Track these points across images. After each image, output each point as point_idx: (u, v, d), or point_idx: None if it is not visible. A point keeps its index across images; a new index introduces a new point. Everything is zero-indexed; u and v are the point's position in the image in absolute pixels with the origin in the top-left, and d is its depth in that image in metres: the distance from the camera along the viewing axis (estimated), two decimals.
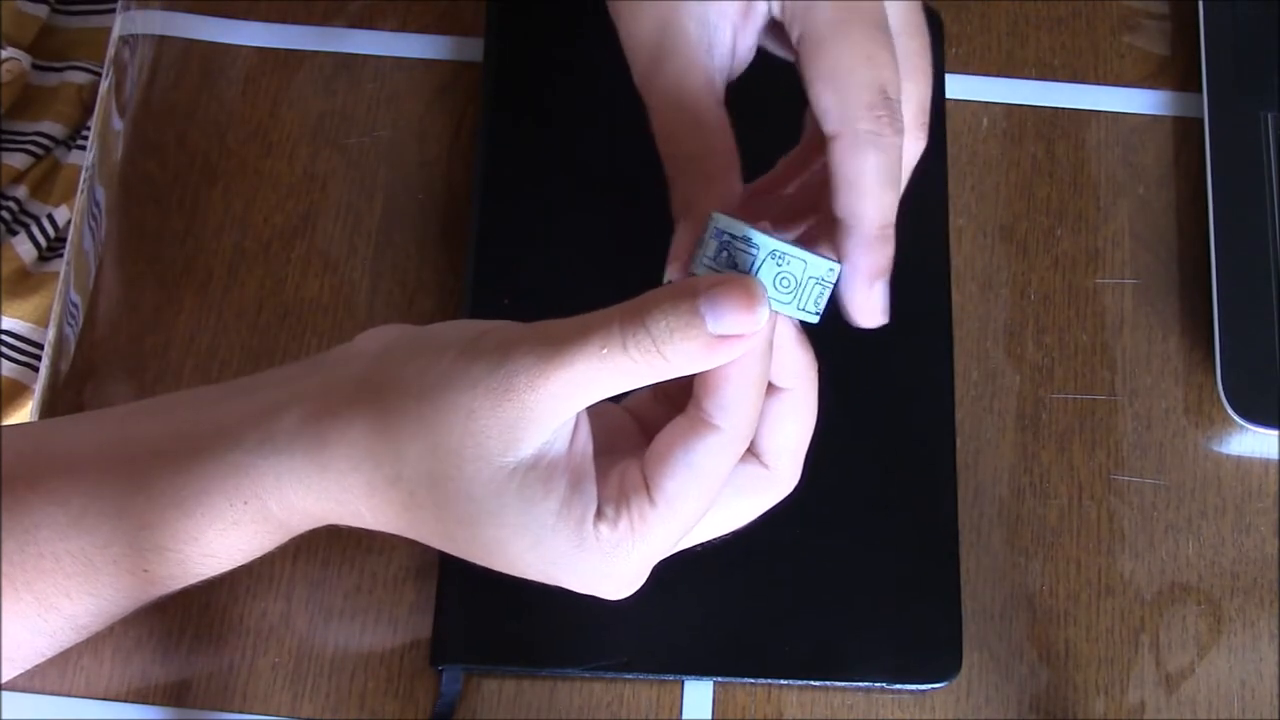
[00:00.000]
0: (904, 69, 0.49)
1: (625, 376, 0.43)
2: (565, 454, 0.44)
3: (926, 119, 0.51)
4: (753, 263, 0.44)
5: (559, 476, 0.43)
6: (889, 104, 0.47)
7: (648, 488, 0.44)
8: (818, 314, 0.45)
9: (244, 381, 0.49)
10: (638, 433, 0.48)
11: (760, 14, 0.50)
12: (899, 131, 0.47)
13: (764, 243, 0.44)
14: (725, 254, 0.44)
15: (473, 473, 0.43)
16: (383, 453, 0.44)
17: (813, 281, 0.44)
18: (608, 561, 0.44)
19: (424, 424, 0.43)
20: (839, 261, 0.46)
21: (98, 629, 0.49)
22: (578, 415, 0.44)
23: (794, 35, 0.49)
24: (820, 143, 0.48)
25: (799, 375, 0.46)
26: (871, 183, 0.47)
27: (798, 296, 0.44)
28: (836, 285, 0.46)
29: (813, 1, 0.48)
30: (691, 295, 0.42)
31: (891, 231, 0.47)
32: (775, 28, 0.51)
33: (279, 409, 0.45)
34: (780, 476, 0.47)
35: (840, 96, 0.47)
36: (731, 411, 0.44)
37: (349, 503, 0.45)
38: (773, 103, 0.50)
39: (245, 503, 0.45)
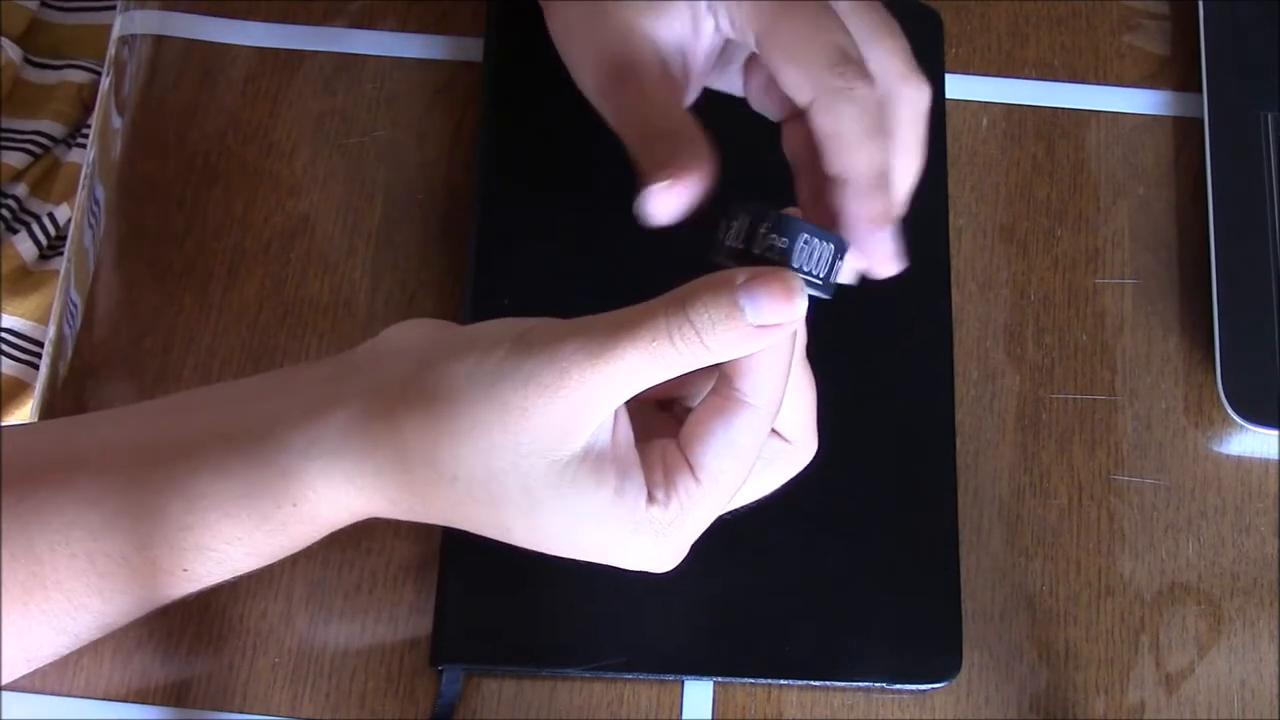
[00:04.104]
0: (868, 34, 0.51)
1: (670, 366, 0.44)
2: (610, 444, 0.45)
3: (915, 66, 0.52)
4: (786, 246, 0.45)
5: (608, 466, 0.45)
6: (850, 60, 0.49)
7: (690, 467, 0.46)
8: (830, 291, 0.47)
9: (272, 378, 0.49)
10: (654, 407, 0.50)
11: (708, 33, 0.52)
12: (868, 84, 0.49)
13: (793, 224, 0.45)
14: (756, 232, 0.45)
15: (528, 468, 0.44)
16: (438, 452, 0.44)
17: (825, 259, 0.46)
18: (659, 540, 0.46)
19: (479, 423, 0.44)
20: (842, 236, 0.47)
21: (118, 627, 0.49)
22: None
23: (751, 40, 0.51)
24: (804, 165, 0.51)
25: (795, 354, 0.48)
26: (855, 133, 0.49)
27: (814, 270, 0.46)
28: (843, 259, 0.47)
29: (755, 3, 0.50)
30: (731, 287, 0.44)
31: (887, 179, 0.50)
32: (728, 54, 0.53)
33: (322, 409, 0.46)
34: (800, 446, 0.50)
35: (803, 67, 0.49)
36: (764, 389, 0.46)
37: (402, 500, 0.46)
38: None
39: (294, 505, 0.46)
